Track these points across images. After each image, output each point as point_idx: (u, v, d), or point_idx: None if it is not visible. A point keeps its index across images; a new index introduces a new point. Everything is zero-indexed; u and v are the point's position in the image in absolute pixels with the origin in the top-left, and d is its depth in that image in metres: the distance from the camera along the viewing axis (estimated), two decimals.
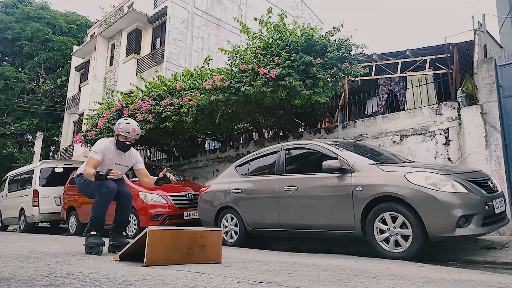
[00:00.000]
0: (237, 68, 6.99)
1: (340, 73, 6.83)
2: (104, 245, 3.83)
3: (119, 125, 4.00)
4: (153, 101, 8.84)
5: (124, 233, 4.22)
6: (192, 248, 2.86)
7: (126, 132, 3.96)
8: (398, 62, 9.12)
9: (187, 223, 6.94)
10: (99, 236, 3.88)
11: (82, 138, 10.86)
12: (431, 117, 6.33)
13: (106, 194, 3.82)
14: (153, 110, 8.60)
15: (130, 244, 2.89)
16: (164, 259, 2.68)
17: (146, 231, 2.63)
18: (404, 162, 4.99)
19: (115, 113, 9.83)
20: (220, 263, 2.96)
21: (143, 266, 2.54)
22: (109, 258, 3.08)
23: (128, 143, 4.00)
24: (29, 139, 24.86)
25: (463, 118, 5.89)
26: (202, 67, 8.95)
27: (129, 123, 4.01)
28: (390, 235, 4.03)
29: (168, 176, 3.95)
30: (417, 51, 8.83)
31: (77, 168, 10.44)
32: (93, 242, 3.81)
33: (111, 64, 19.46)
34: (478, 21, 7.06)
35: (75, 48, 22.55)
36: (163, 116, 8.30)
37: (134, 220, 7.30)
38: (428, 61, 8.73)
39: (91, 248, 3.81)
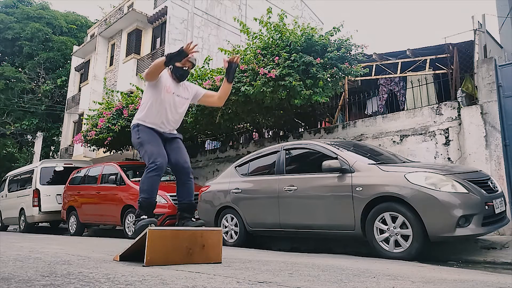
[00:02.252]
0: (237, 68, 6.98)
1: (340, 73, 6.83)
2: (156, 224, 3.29)
3: (175, 49, 3.38)
4: None
5: (193, 218, 3.48)
6: (192, 248, 2.86)
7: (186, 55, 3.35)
8: (398, 62, 9.12)
9: None
10: (152, 220, 3.30)
11: (82, 138, 10.87)
12: (431, 117, 6.33)
13: (153, 171, 3.17)
14: None
15: (130, 246, 2.88)
16: (164, 259, 2.68)
17: (146, 231, 2.63)
18: (404, 162, 4.99)
19: (115, 113, 9.83)
20: (220, 263, 2.96)
21: (143, 266, 2.53)
22: (109, 258, 3.08)
23: (185, 68, 3.41)
24: (29, 139, 24.87)
25: (463, 118, 5.89)
26: (202, 67, 8.95)
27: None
28: (390, 235, 4.03)
29: (234, 60, 3.41)
30: (417, 51, 8.83)
31: (77, 167, 10.46)
32: (144, 222, 3.21)
33: (111, 64, 19.47)
34: (478, 21, 7.05)
35: (75, 48, 22.56)
36: None
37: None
38: (428, 61, 8.73)
39: (142, 227, 3.23)
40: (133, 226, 3.38)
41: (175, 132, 3.57)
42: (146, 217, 3.26)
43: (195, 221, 3.42)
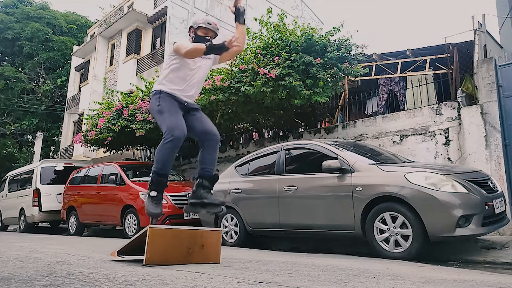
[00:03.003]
0: (237, 68, 6.99)
1: (340, 73, 6.84)
2: (161, 216, 3.17)
3: (198, 17, 3.33)
4: None
5: (212, 191, 3.21)
6: (192, 248, 2.86)
7: (208, 24, 3.25)
8: (398, 62, 9.12)
9: (187, 223, 6.94)
10: (160, 200, 3.07)
11: (82, 138, 10.87)
12: (431, 117, 6.33)
13: (169, 142, 2.95)
14: None
15: (129, 242, 2.88)
16: (163, 258, 2.68)
17: (147, 230, 2.63)
18: (404, 162, 4.99)
19: (115, 113, 9.83)
20: (219, 263, 2.96)
21: (143, 265, 2.53)
22: (109, 258, 3.08)
23: (208, 38, 3.24)
24: (29, 139, 24.86)
25: (463, 118, 5.89)
26: None
27: (208, 15, 3.39)
28: (390, 235, 4.03)
29: (238, 3, 3.28)
30: (417, 51, 8.83)
31: (77, 167, 10.46)
32: (150, 209, 3.00)
33: (111, 64, 19.47)
34: (478, 21, 7.05)
35: (75, 48, 22.56)
36: None
37: (134, 220, 7.30)
38: (428, 61, 8.73)
39: (147, 213, 3.07)
40: (145, 199, 3.18)
41: (195, 103, 3.39)
42: (155, 193, 3.04)
43: (214, 196, 3.19)
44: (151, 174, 3.04)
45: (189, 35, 3.32)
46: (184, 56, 3.06)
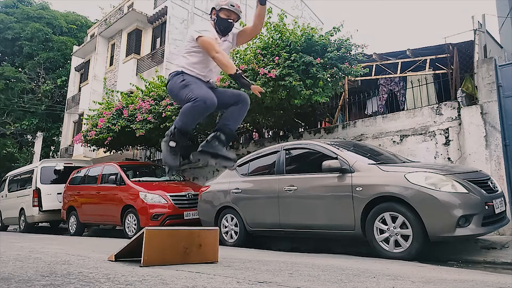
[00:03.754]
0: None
1: (340, 73, 6.84)
2: (177, 168, 3.12)
3: None
4: (153, 101, 8.84)
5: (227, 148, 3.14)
6: (189, 248, 2.86)
7: (231, 5, 3.09)
8: (398, 62, 9.12)
9: (187, 223, 6.95)
10: (178, 152, 3.08)
11: (82, 138, 10.87)
12: (431, 117, 6.33)
13: (200, 105, 2.85)
14: (153, 110, 8.60)
15: (126, 245, 2.88)
16: (161, 259, 2.68)
17: (143, 231, 2.63)
18: (404, 162, 4.99)
19: (115, 113, 9.83)
20: (217, 262, 2.96)
21: (141, 266, 2.53)
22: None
23: (230, 21, 3.12)
24: (29, 139, 24.86)
25: (463, 118, 5.89)
26: None
27: None
28: (390, 235, 4.03)
29: None
30: (417, 51, 8.83)
31: (77, 167, 10.46)
32: (168, 160, 3.06)
33: (111, 64, 19.47)
34: (478, 21, 7.05)
35: (75, 48, 22.56)
36: (163, 116, 8.29)
37: (134, 220, 7.30)
38: (428, 61, 8.73)
39: (163, 161, 3.15)
40: (162, 144, 3.12)
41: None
42: (174, 144, 3.03)
43: (228, 152, 3.10)
44: (172, 127, 3.04)
45: (211, 17, 3.16)
46: (210, 54, 2.96)
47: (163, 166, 3.06)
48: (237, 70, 2.90)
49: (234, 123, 3.19)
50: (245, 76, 6.78)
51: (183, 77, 3.04)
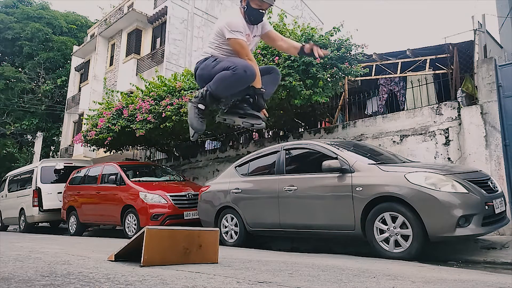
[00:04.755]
0: None
1: (340, 73, 6.84)
2: (201, 133, 3.01)
3: None
4: (153, 101, 8.84)
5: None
6: (189, 248, 2.86)
7: None
8: (398, 62, 9.12)
9: (187, 223, 6.94)
10: (204, 115, 2.96)
11: (82, 138, 10.87)
12: (431, 117, 6.33)
13: (239, 75, 2.72)
14: (153, 110, 8.60)
15: (126, 244, 2.88)
16: (161, 259, 2.68)
17: (143, 231, 2.63)
18: (404, 162, 4.99)
19: (115, 113, 9.83)
20: (217, 263, 2.96)
21: (141, 266, 2.53)
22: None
23: (261, 11, 2.90)
24: (29, 139, 24.86)
25: (463, 118, 5.89)
26: None
27: None
28: (390, 235, 4.03)
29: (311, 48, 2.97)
30: (417, 51, 8.83)
31: (77, 167, 10.45)
32: (194, 123, 2.95)
33: (111, 64, 19.47)
34: (478, 21, 7.05)
35: (75, 48, 22.56)
36: (163, 116, 8.30)
37: (134, 220, 7.30)
38: (428, 61, 8.73)
39: (192, 127, 3.00)
40: (189, 104, 2.96)
41: None
42: (203, 107, 2.91)
43: (256, 112, 2.94)
44: (204, 89, 2.88)
45: (241, 4, 2.92)
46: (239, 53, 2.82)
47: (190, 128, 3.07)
48: (262, 88, 2.84)
49: (266, 88, 3.00)
50: None
51: (214, 58, 2.91)
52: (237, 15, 2.89)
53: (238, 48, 2.82)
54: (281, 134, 9.25)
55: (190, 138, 3.41)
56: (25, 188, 11.17)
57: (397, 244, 3.99)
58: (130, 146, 11.67)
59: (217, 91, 2.85)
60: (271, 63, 6.52)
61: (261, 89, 2.86)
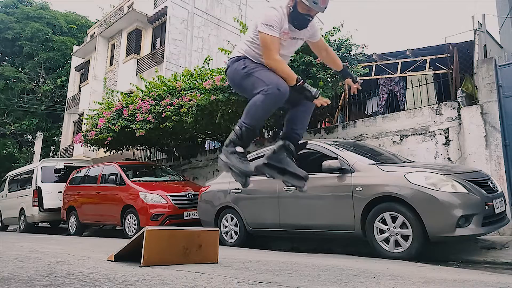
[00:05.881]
0: None
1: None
2: (251, 176, 2.58)
3: None
4: (153, 101, 8.85)
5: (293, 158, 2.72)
6: (189, 248, 2.86)
7: (313, 2, 2.49)
8: (398, 62, 9.12)
9: (187, 223, 6.94)
10: (245, 156, 2.59)
11: (82, 138, 10.87)
12: (431, 117, 6.33)
13: (271, 95, 2.45)
14: (153, 110, 8.61)
15: (126, 245, 2.88)
16: (161, 259, 2.68)
17: (143, 231, 2.63)
18: (404, 162, 4.99)
19: (115, 113, 9.84)
20: (217, 263, 2.96)
21: (141, 266, 2.53)
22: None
23: (309, 18, 2.60)
24: (29, 139, 24.85)
25: (463, 118, 5.89)
26: (202, 67, 8.95)
27: None
28: (390, 235, 4.03)
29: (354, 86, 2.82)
30: (417, 51, 8.83)
31: (77, 166, 10.45)
32: (242, 167, 2.53)
33: (111, 64, 19.47)
34: (478, 21, 7.05)
35: (75, 48, 22.56)
36: (163, 116, 8.30)
37: (134, 220, 7.30)
38: (428, 61, 8.73)
39: (234, 174, 2.59)
40: (224, 156, 2.59)
41: None
42: (242, 149, 2.56)
43: (298, 169, 2.63)
44: (236, 128, 2.57)
45: (288, 4, 2.60)
46: (264, 58, 2.55)
47: (236, 180, 2.68)
48: (297, 80, 2.48)
49: (302, 128, 2.76)
50: None
51: (244, 63, 2.63)
52: (276, 9, 2.57)
53: (263, 45, 2.55)
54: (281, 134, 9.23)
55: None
56: (25, 188, 11.17)
57: (397, 244, 3.99)
58: (130, 146, 11.68)
59: (253, 122, 2.56)
60: None
61: (298, 83, 2.51)
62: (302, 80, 2.49)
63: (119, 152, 11.79)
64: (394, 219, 4.02)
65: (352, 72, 6.78)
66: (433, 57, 8.67)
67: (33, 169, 11.09)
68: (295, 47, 2.79)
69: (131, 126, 9.01)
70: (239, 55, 2.68)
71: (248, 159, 2.48)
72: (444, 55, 8.56)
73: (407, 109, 8.20)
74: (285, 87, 2.47)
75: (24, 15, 23.97)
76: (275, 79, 2.50)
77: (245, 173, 2.53)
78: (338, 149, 4.86)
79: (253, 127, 2.57)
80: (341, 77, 2.92)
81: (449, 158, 6.03)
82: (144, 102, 8.93)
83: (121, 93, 11.00)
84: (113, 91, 11.83)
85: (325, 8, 2.56)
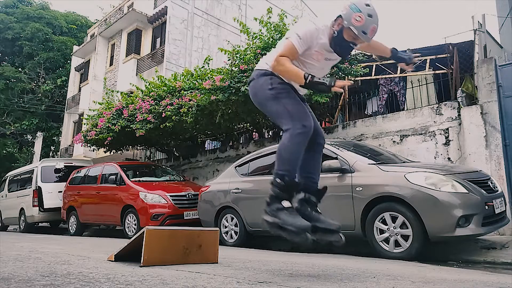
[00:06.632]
0: (237, 68, 6.99)
1: (340, 73, 6.83)
2: (311, 229, 2.26)
3: (356, 12, 2.29)
4: (153, 101, 8.85)
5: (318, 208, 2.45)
6: (189, 248, 2.86)
7: (363, 32, 2.30)
8: None
9: (187, 223, 6.95)
10: (294, 210, 2.30)
11: (82, 138, 10.88)
12: (431, 117, 6.33)
13: (301, 135, 2.28)
14: (153, 110, 8.61)
15: (126, 245, 2.88)
16: (161, 260, 2.68)
17: (143, 231, 2.63)
18: (404, 162, 4.99)
19: (115, 113, 9.84)
20: (217, 263, 2.96)
21: (141, 266, 2.53)
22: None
23: (352, 45, 2.40)
24: (29, 139, 24.87)
25: (463, 118, 5.89)
26: (202, 67, 8.96)
27: (371, 16, 2.32)
28: (390, 235, 4.02)
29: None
30: (417, 51, 8.81)
31: (77, 166, 10.45)
32: (291, 222, 2.21)
33: (111, 64, 19.47)
34: (478, 21, 7.05)
35: (75, 48, 22.57)
36: (163, 116, 8.30)
37: (134, 220, 7.30)
38: (428, 61, 8.73)
39: (289, 233, 2.22)
40: (270, 217, 2.30)
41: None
42: (288, 204, 2.28)
43: (325, 217, 2.38)
44: (275, 181, 2.30)
45: (333, 26, 2.38)
46: (274, 59, 2.36)
47: (295, 240, 2.22)
48: (306, 77, 2.24)
49: (317, 173, 2.51)
50: (245, 76, 6.80)
51: (272, 83, 2.41)
52: (315, 26, 2.35)
53: (281, 48, 2.36)
54: (281, 134, 9.24)
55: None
56: (25, 188, 11.18)
57: (397, 244, 3.99)
58: (130, 146, 11.68)
59: (290, 167, 2.31)
60: None
61: (307, 80, 2.24)
62: (310, 75, 2.25)
63: (119, 152, 11.79)
64: (394, 219, 4.02)
65: (352, 72, 6.77)
66: (433, 57, 8.67)
67: (33, 169, 11.10)
68: (328, 69, 2.60)
69: (131, 126, 9.02)
70: (266, 69, 2.46)
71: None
72: (444, 55, 8.56)
73: (407, 109, 8.20)
74: (309, 122, 2.33)
75: (24, 15, 23.98)
76: (299, 112, 2.35)
77: (304, 228, 2.21)
78: (338, 149, 4.86)
79: (292, 172, 2.32)
80: (395, 61, 2.71)
81: (449, 158, 6.03)
82: (144, 102, 8.93)
83: (121, 93, 11.01)
84: (113, 91, 11.83)
85: (369, 39, 2.39)
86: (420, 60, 8.68)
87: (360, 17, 2.27)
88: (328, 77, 2.26)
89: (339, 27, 2.34)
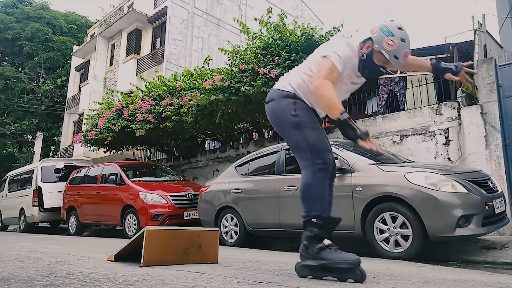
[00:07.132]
0: (237, 68, 6.99)
1: None
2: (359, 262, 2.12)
3: (389, 35, 2.16)
4: (153, 101, 8.85)
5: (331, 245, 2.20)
6: (189, 248, 2.86)
7: (394, 57, 2.18)
8: None
9: (187, 223, 6.95)
10: (335, 246, 2.18)
11: (82, 138, 10.88)
12: (431, 117, 6.33)
13: (323, 171, 2.17)
14: (153, 110, 8.61)
15: (126, 245, 2.88)
16: (161, 260, 2.68)
17: (143, 231, 2.63)
18: (404, 162, 4.99)
19: (115, 113, 9.85)
20: (217, 263, 2.96)
21: (141, 266, 2.53)
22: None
23: (382, 69, 2.29)
24: (29, 139, 24.87)
25: (463, 118, 5.89)
26: (202, 67, 8.96)
27: (404, 41, 2.17)
28: (390, 235, 4.02)
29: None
30: (417, 51, 8.82)
31: (78, 166, 10.44)
32: (340, 259, 2.11)
33: (111, 64, 19.47)
34: (478, 21, 7.05)
35: (75, 48, 22.57)
36: (163, 116, 8.30)
37: (134, 220, 7.30)
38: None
39: (339, 272, 2.10)
40: (312, 260, 2.15)
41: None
42: (328, 241, 2.15)
43: (339, 252, 2.17)
44: (311, 221, 2.14)
45: (361, 48, 2.27)
46: (314, 78, 2.18)
47: (347, 277, 2.08)
48: (342, 114, 2.06)
49: (331, 203, 2.34)
50: (245, 76, 6.81)
51: (295, 108, 2.26)
52: (351, 50, 2.25)
53: (321, 67, 2.19)
54: None
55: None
56: (25, 188, 11.18)
57: (397, 244, 3.98)
58: (130, 146, 11.69)
59: (323, 208, 2.18)
60: (271, 63, 6.52)
61: (342, 117, 2.07)
62: (347, 116, 2.05)
63: (119, 152, 11.79)
64: (394, 219, 4.02)
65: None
66: (433, 57, 8.64)
67: (33, 169, 11.10)
68: (350, 92, 2.49)
69: (131, 126, 9.02)
70: (289, 91, 2.31)
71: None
72: (444, 55, 8.56)
73: (407, 109, 8.19)
74: (329, 156, 2.22)
75: (24, 15, 23.98)
76: (322, 147, 2.21)
77: (355, 262, 2.09)
78: (338, 149, 4.86)
79: (323, 209, 2.18)
80: (439, 74, 2.49)
81: (449, 158, 6.03)
82: (144, 102, 8.93)
83: (121, 93, 11.01)
84: (113, 91, 11.83)
85: (401, 65, 2.26)
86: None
87: (392, 41, 2.16)
88: (363, 128, 2.07)
89: (368, 50, 2.24)
